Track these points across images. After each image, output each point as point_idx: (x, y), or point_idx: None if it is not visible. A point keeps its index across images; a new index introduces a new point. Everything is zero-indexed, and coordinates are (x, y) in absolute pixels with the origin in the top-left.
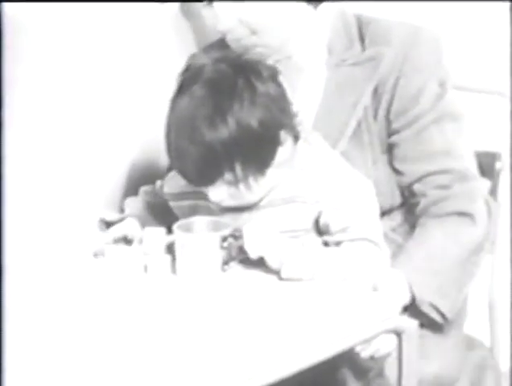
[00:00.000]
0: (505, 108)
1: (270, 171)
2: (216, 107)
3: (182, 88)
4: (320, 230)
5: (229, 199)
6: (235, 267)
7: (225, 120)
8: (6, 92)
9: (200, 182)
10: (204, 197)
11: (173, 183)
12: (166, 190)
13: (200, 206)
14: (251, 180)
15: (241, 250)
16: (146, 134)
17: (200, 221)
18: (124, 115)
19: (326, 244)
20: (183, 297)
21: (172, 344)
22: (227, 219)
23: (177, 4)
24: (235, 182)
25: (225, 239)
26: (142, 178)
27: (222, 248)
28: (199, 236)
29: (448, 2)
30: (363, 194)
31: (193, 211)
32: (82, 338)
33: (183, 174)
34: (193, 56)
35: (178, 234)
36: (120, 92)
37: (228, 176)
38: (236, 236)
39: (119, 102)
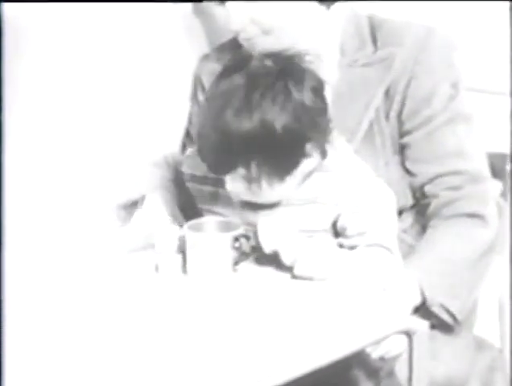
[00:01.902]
0: None
1: (291, 180)
2: (246, 100)
3: (224, 73)
4: (337, 232)
5: (246, 194)
6: (246, 267)
7: (251, 115)
8: (6, 92)
9: (216, 169)
10: (225, 186)
11: (194, 164)
12: (186, 170)
13: (221, 195)
14: (264, 182)
15: (253, 250)
16: (156, 134)
17: (210, 221)
18: (130, 115)
19: (341, 246)
20: (194, 297)
21: (183, 344)
22: (246, 213)
23: (189, 4)
24: (248, 180)
25: (236, 239)
26: None
27: (233, 248)
28: (210, 236)
29: (448, 2)
30: (383, 202)
31: (213, 199)
32: (91, 338)
33: (202, 157)
34: (206, 56)
35: (189, 234)
36: (127, 91)
37: (242, 171)
38: (247, 236)
39: (125, 102)
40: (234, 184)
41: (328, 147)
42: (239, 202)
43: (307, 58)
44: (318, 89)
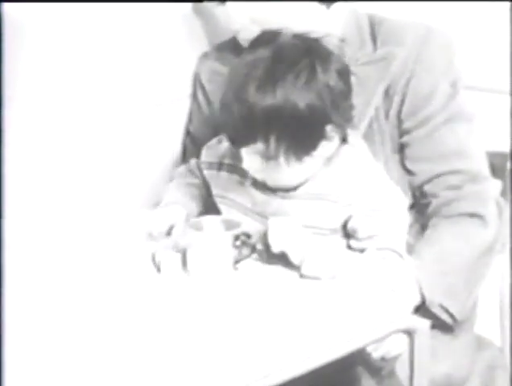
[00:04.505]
0: None
1: (310, 162)
2: (270, 73)
3: (251, 46)
4: (347, 233)
5: (261, 172)
6: (247, 265)
7: (274, 90)
8: (6, 91)
9: (235, 140)
10: (240, 172)
11: (212, 152)
12: (203, 158)
13: (236, 181)
14: (282, 159)
15: (254, 249)
16: (157, 132)
17: (211, 220)
18: (130, 114)
19: (350, 248)
20: (195, 296)
21: (184, 342)
22: (259, 200)
23: (190, 3)
24: (266, 156)
25: (236, 237)
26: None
27: (234, 246)
28: (210, 235)
29: (448, 2)
30: (396, 206)
31: (228, 185)
32: (93, 337)
33: (224, 128)
34: (206, 55)
35: (190, 232)
36: (127, 90)
37: (260, 145)
38: (248, 234)
39: (126, 101)
40: (251, 160)
41: (348, 132)
42: (252, 188)
43: (334, 41)
44: (343, 72)
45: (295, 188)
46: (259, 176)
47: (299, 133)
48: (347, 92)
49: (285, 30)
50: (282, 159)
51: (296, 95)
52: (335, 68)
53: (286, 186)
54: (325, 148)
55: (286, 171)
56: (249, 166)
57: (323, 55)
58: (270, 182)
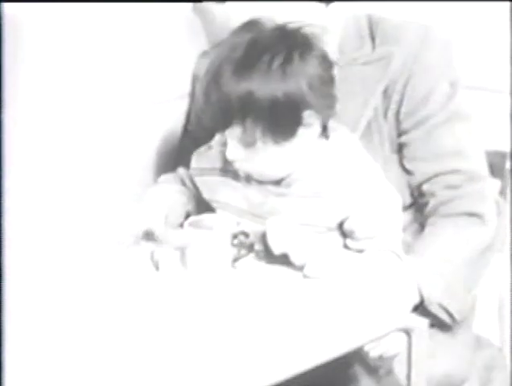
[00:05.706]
0: None
1: (290, 149)
2: (246, 57)
3: (233, 33)
4: (344, 233)
5: (243, 162)
6: (245, 264)
7: (250, 74)
8: (6, 92)
9: (213, 124)
10: (233, 175)
11: (202, 158)
12: (194, 165)
13: (227, 183)
14: (260, 142)
15: (252, 248)
16: (155, 131)
17: (210, 218)
18: (130, 113)
19: (347, 247)
20: (194, 294)
21: (183, 341)
22: (253, 201)
23: (190, 3)
24: (245, 141)
25: (235, 236)
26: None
27: (232, 245)
28: (209, 233)
29: (449, 1)
30: (391, 206)
31: (220, 188)
32: (91, 335)
33: (203, 111)
34: (205, 53)
35: (188, 230)
36: (128, 90)
37: (237, 130)
38: (246, 233)
39: (126, 101)
40: (234, 147)
41: (328, 118)
42: (247, 189)
43: (314, 30)
44: (322, 60)
45: (281, 181)
46: (243, 167)
47: (275, 117)
48: (327, 79)
49: (268, 18)
50: (259, 143)
51: (271, 80)
52: (314, 55)
53: (271, 176)
54: (305, 135)
55: (266, 157)
56: (231, 155)
57: (301, 42)
58: (256, 174)
